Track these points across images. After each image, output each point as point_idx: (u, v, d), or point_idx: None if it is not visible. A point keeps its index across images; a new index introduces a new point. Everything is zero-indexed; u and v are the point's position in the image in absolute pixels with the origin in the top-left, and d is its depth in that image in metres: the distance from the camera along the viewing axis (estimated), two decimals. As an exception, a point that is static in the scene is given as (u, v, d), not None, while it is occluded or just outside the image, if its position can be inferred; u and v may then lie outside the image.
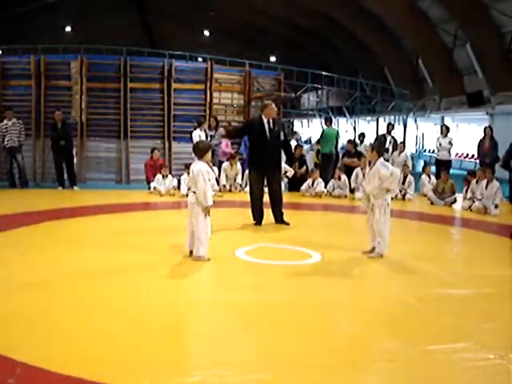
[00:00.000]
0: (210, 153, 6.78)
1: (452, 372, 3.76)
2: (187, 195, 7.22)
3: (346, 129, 31.02)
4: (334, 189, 13.54)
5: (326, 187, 13.54)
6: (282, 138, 9.22)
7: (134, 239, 7.76)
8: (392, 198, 7.26)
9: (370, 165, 7.08)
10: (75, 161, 14.42)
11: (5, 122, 13.47)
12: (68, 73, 15.58)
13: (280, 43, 38.37)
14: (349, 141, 15.83)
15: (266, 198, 9.20)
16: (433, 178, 13.94)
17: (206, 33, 40.91)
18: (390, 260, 6.77)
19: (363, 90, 27.56)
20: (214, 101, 16.36)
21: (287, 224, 9.10)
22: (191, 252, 6.49)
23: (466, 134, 28.27)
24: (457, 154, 28.28)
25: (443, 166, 14.50)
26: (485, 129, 14.77)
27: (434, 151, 21.37)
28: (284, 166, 11.71)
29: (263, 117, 8.99)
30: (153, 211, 11.63)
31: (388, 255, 6.85)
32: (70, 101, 15.50)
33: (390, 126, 15.90)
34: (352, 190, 13.43)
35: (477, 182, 11.71)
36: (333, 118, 20.04)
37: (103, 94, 15.68)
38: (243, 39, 39.71)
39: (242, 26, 38.07)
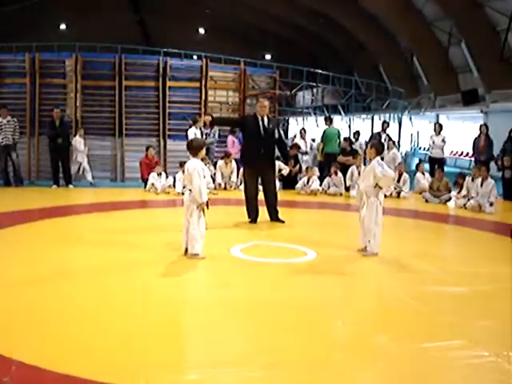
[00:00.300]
0: (204, 150, 6.79)
1: (447, 369, 3.77)
2: (183, 193, 7.22)
3: (341, 127, 30.97)
4: (329, 187, 13.55)
5: (321, 185, 13.56)
6: (277, 135, 9.22)
7: (129, 237, 7.74)
8: (386, 196, 7.27)
9: (365, 163, 7.09)
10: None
11: (-1, 119, 13.44)
12: (63, 71, 15.55)
13: (275, 41, 38.32)
14: (344, 138, 15.84)
15: (261, 196, 9.21)
16: (427, 175, 13.97)
17: (201, 31, 40.84)
18: (385, 258, 6.78)
19: (358, 88, 27.56)
20: (210, 99, 16.36)
21: (282, 222, 9.10)
22: (187, 250, 6.49)
23: (460, 132, 28.28)
24: (451, 151, 28.33)
25: (437, 163, 14.56)
26: (480, 127, 14.82)
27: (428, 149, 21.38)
28: (279, 163, 11.72)
29: (257, 114, 9.01)
30: (148, 209, 11.62)
31: (383, 253, 6.86)
32: (64, 99, 15.47)
33: (385, 124, 15.93)
34: (347, 188, 13.45)
35: (472, 179, 11.74)
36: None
37: (98, 91, 15.65)
38: (238, 37, 39.62)
39: (237, 24, 38.01)
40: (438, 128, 15.16)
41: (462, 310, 5.01)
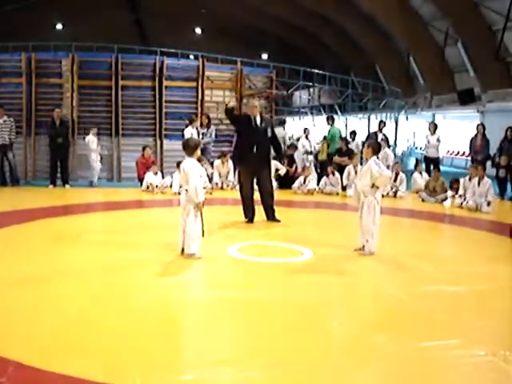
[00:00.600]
0: (199, 149, 6.77)
1: (444, 369, 3.78)
2: (179, 193, 7.21)
3: (339, 127, 30.97)
4: (325, 186, 13.55)
5: (318, 184, 13.57)
6: (270, 134, 9.24)
7: (125, 237, 7.74)
8: (383, 196, 7.27)
9: (362, 162, 7.10)
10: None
11: (-4, 119, 13.41)
12: (59, 70, 15.49)
13: (272, 41, 38.33)
14: (341, 138, 15.82)
15: (258, 196, 9.21)
16: (425, 175, 13.98)
17: (198, 30, 40.79)
18: (382, 257, 6.79)
19: (355, 87, 27.56)
20: (206, 98, 16.33)
21: (278, 221, 9.11)
22: (183, 250, 6.49)
23: (457, 131, 28.31)
24: (448, 151, 28.37)
25: (432, 163, 14.58)
26: (477, 126, 14.83)
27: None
28: (276, 163, 11.71)
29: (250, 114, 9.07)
30: (145, 209, 11.61)
31: (380, 253, 6.86)
32: (61, 98, 15.40)
33: (382, 124, 15.91)
34: (344, 188, 13.45)
35: (469, 179, 11.75)
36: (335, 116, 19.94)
37: (94, 91, 15.59)
38: (235, 37, 39.60)
39: (233, 24, 37.96)
40: (433, 127, 15.17)
41: (459, 310, 5.02)
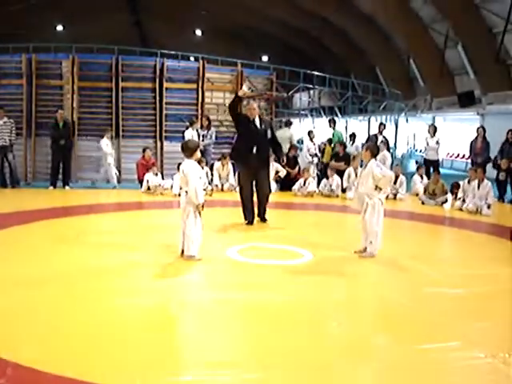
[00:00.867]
0: (198, 151, 6.77)
1: (445, 371, 3.77)
2: (179, 195, 7.21)
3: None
4: (325, 188, 13.54)
5: (318, 187, 13.57)
6: (270, 136, 9.25)
7: (125, 239, 7.74)
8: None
9: (362, 165, 7.11)
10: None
11: (-4, 120, 13.40)
12: (59, 72, 15.48)
13: (272, 43, 38.34)
14: (339, 142, 15.77)
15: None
16: (425, 178, 13.96)
17: (198, 32, 40.79)
18: (382, 259, 6.78)
19: (355, 89, 27.58)
20: (206, 100, 16.32)
21: (265, 221, 9.21)
22: (183, 251, 6.48)
23: (457, 133, 28.31)
24: (448, 153, 28.36)
25: (432, 165, 14.58)
26: (477, 129, 14.83)
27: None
28: (276, 165, 11.70)
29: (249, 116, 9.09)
30: (145, 211, 11.61)
31: (380, 255, 6.86)
32: (61, 100, 15.40)
33: (382, 126, 15.91)
34: (344, 190, 13.45)
35: (468, 182, 11.75)
36: (337, 119, 19.91)
37: (95, 93, 15.59)
38: (235, 39, 39.63)
39: (233, 26, 37.99)
40: (433, 130, 15.16)
41: (458, 312, 5.02)
